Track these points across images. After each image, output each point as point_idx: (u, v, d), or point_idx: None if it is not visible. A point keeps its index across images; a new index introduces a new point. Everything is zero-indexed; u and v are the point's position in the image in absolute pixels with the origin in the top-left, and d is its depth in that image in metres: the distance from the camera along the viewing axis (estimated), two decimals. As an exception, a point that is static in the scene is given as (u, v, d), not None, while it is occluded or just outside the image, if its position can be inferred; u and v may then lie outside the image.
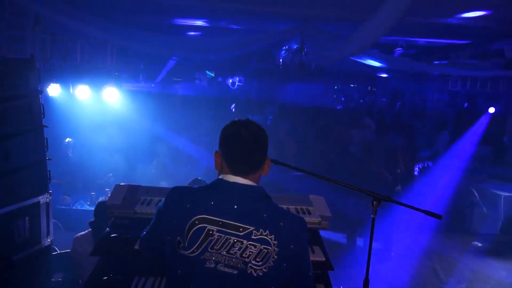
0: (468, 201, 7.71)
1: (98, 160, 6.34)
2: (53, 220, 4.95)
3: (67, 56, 6.35)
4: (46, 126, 3.44)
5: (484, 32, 6.41)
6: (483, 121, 9.42)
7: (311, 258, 2.35)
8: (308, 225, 2.46)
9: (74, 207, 5.75)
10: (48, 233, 3.63)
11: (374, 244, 2.36)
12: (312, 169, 2.53)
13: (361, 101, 14.92)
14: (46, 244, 3.63)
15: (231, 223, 1.55)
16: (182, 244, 1.57)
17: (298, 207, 2.62)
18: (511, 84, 8.97)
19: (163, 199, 1.69)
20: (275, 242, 1.54)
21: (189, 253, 1.56)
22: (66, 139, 6.42)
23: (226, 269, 1.54)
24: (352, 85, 15.44)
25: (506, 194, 7.43)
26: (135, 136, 6.90)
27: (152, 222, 1.74)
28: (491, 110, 9.41)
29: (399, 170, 6.36)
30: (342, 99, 15.38)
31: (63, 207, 5.72)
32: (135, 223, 2.44)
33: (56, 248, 4.67)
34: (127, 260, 2.29)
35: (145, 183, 2.80)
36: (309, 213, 2.56)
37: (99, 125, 6.77)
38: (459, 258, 6.42)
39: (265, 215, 1.58)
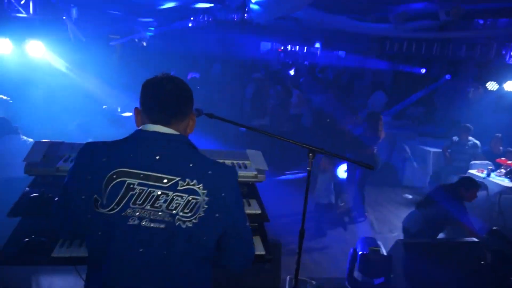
0: (401, 157, 8.17)
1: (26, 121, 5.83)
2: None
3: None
4: None
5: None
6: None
7: (248, 211, 2.36)
8: (245, 179, 2.49)
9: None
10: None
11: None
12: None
13: (305, 62, 15.02)
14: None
15: (153, 175, 1.44)
16: (99, 202, 1.44)
17: (235, 161, 2.58)
18: (444, 46, 9.38)
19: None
20: (204, 191, 1.46)
21: (108, 211, 1.43)
22: None
23: (152, 224, 1.44)
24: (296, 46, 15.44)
25: (435, 150, 7.95)
26: (64, 94, 6.42)
27: (63, 184, 1.56)
28: (422, 71, 9.88)
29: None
30: (287, 60, 15.41)
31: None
32: (59, 181, 2.27)
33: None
34: (55, 216, 2.12)
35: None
36: (246, 167, 2.53)
37: (24, 82, 6.19)
38: (391, 209, 6.86)
39: (191, 165, 1.48)
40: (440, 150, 7.71)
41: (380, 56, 11.48)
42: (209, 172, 1.49)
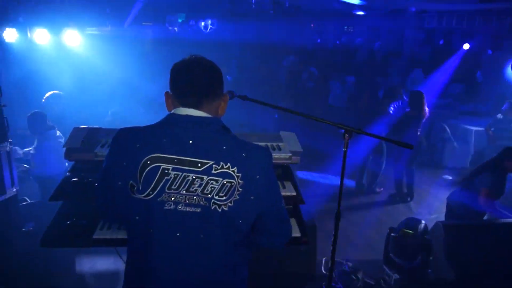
0: (440, 137, 7.88)
1: (75, 112, 6.01)
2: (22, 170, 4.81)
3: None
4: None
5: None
6: (456, 58, 9.44)
7: (283, 193, 2.33)
8: (279, 161, 2.46)
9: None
10: (12, 183, 3.48)
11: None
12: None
13: (337, 42, 14.61)
14: (11, 194, 3.49)
15: (187, 160, 1.43)
16: (136, 188, 1.45)
17: (269, 144, 2.55)
18: (486, 20, 8.86)
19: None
20: (239, 174, 1.44)
21: (144, 196, 1.44)
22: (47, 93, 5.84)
23: (188, 209, 1.44)
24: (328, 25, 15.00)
25: (477, 128, 7.61)
26: (107, 84, 6.60)
27: (101, 170, 1.59)
28: (466, 46, 9.38)
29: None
30: (318, 40, 15.04)
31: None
32: (97, 166, 2.33)
33: (26, 198, 4.57)
34: (90, 204, 2.19)
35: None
36: (280, 149, 2.50)
37: (65, 74, 6.37)
38: (430, 190, 6.65)
39: (224, 147, 1.46)
40: (482, 128, 7.36)
41: (418, 31, 11.01)
42: (243, 154, 1.47)
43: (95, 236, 2.07)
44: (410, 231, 3.51)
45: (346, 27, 15.32)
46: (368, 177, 6.54)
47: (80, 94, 6.20)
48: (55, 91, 5.34)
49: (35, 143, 4.52)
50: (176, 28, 13.63)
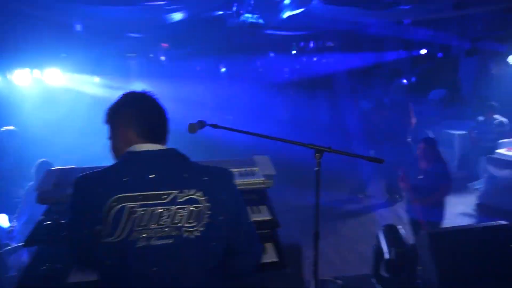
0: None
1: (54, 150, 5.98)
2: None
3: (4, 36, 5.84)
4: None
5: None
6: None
7: (258, 218, 2.35)
8: (253, 186, 2.48)
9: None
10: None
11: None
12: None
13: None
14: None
15: (151, 194, 1.45)
16: (104, 232, 1.43)
17: (242, 169, 2.57)
18: (462, 27, 9.06)
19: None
20: (204, 198, 1.48)
21: (114, 239, 1.42)
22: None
23: (160, 242, 1.44)
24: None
25: (460, 132, 7.70)
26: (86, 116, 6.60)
27: (67, 221, 1.61)
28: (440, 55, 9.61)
29: None
30: (297, 66, 15.03)
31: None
32: (71, 207, 2.31)
33: (10, 243, 4.50)
34: (65, 247, 2.17)
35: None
36: (253, 174, 2.52)
37: (49, 115, 6.36)
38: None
39: (186, 175, 1.50)
40: (465, 132, 7.46)
41: (397, 42, 11.20)
42: (205, 178, 1.52)
43: (70, 280, 2.04)
44: (400, 249, 3.52)
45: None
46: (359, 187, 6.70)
47: (69, 132, 6.19)
48: (9, 127, 5.34)
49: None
50: (163, 57, 13.68)
